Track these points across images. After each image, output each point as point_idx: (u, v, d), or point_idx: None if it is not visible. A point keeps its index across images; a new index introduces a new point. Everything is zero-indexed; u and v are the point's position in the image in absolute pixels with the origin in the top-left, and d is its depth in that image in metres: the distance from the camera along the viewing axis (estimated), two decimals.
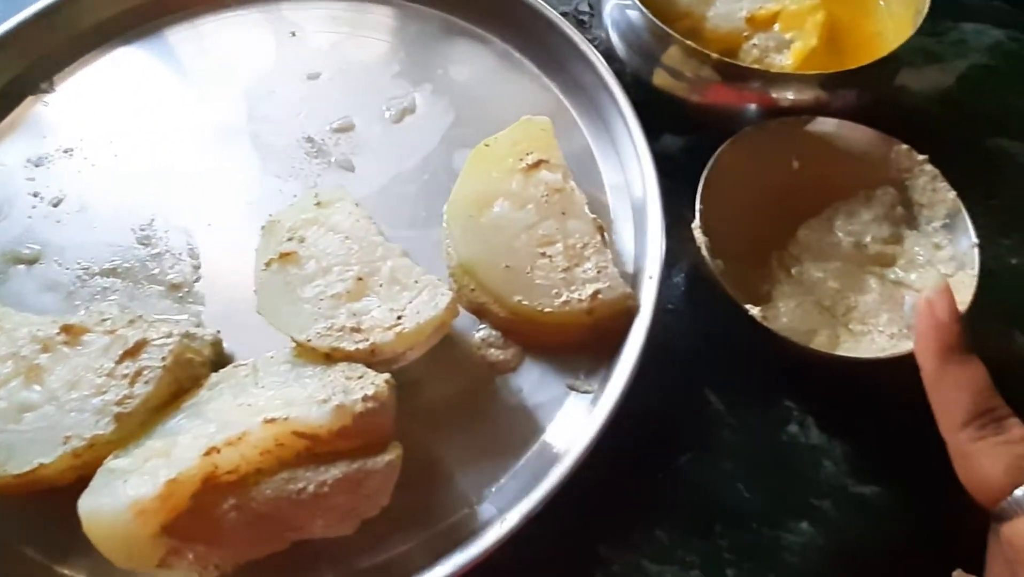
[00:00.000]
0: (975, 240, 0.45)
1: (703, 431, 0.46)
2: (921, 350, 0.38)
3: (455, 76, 0.59)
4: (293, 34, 0.60)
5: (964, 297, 0.44)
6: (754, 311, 0.43)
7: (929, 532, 0.44)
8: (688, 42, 0.49)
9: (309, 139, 0.55)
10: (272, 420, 0.37)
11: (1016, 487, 0.34)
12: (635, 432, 0.45)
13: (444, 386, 0.46)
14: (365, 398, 0.38)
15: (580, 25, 0.63)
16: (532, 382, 0.47)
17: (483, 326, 0.48)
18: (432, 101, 0.58)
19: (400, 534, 0.42)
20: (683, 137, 0.57)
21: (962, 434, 0.36)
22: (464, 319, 0.48)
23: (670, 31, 0.50)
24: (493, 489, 0.43)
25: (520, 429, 0.45)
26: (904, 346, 0.43)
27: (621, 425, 0.43)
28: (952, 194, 0.47)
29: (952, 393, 0.37)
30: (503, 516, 0.40)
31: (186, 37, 0.60)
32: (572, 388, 0.47)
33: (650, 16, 0.50)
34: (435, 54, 0.60)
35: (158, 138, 0.55)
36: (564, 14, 0.63)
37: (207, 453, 0.36)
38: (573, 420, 0.45)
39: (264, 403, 0.39)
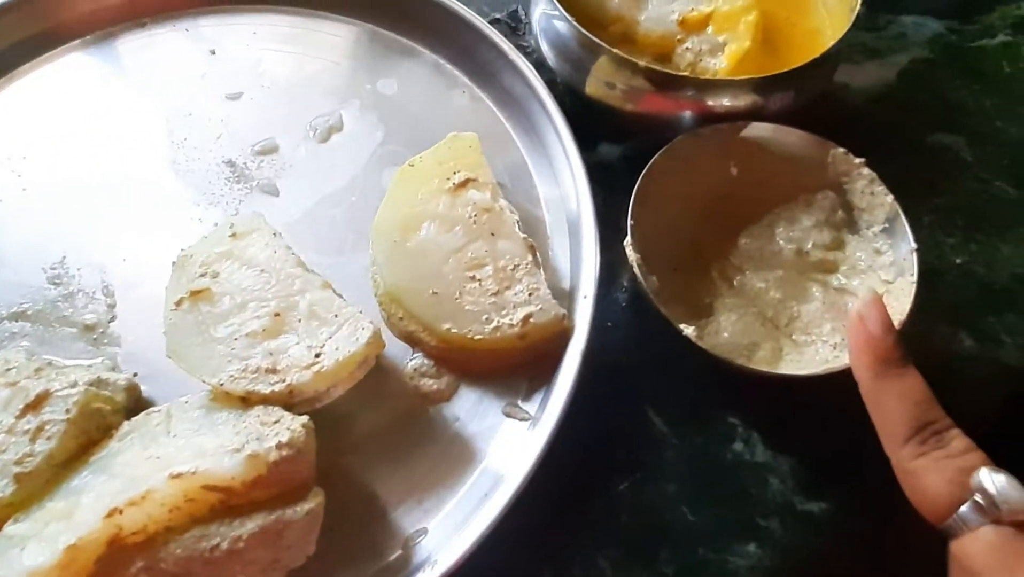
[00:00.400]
0: (913, 245, 0.44)
1: (646, 452, 0.45)
2: (856, 366, 0.37)
3: (383, 91, 0.57)
4: (213, 52, 0.58)
5: (904, 304, 0.42)
6: (688, 331, 0.42)
7: (879, 548, 0.43)
8: (617, 52, 0.48)
9: (230, 163, 0.53)
10: (179, 475, 0.35)
11: (961, 503, 0.33)
12: (575, 457, 0.44)
13: (376, 419, 0.45)
14: (279, 445, 0.36)
15: (512, 32, 0.61)
16: (468, 410, 0.45)
17: (416, 354, 0.46)
18: (360, 118, 0.55)
19: None
20: (620, 145, 0.55)
21: (904, 450, 0.35)
22: (396, 347, 0.46)
23: (599, 41, 0.48)
24: (429, 526, 0.42)
25: (456, 460, 0.44)
26: (845, 359, 0.42)
27: (561, 450, 0.42)
28: (890, 198, 0.46)
29: (891, 408, 0.36)
30: (434, 559, 0.39)
31: (100, 59, 0.57)
32: (509, 415, 0.45)
33: (578, 26, 0.49)
34: (362, 68, 0.58)
35: (69, 167, 0.52)
36: (495, 21, 0.62)
37: (109, 515, 0.34)
38: (511, 448, 0.44)
39: (173, 455, 0.37)
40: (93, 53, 0.57)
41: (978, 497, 0.33)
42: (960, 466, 0.34)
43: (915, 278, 0.43)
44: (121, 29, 0.59)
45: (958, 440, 0.35)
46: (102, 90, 0.56)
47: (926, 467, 0.34)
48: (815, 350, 0.45)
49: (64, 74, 0.56)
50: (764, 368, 0.44)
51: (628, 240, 0.44)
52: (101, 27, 0.58)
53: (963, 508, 0.33)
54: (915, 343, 0.41)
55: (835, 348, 0.45)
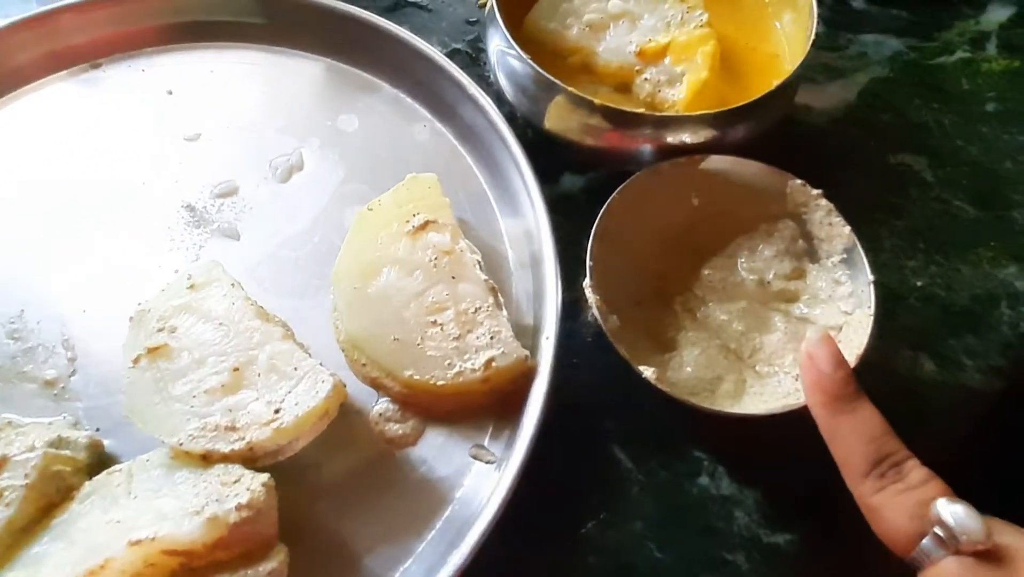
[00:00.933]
0: (871, 277, 0.44)
1: (612, 491, 0.45)
2: (812, 405, 0.38)
3: (344, 127, 0.56)
4: (170, 92, 0.57)
5: (861, 338, 0.43)
6: (648, 372, 0.42)
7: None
8: (573, 90, 0.48)
9: (190, 207, 0.52)
10: (138, 542, 0.35)
11: (923, 536, 0.34)
12: (542, 497, 0.44)
13: (343, 466, 0.44)
14: (239, 507, 0.36)
15: (473, 62, 0.61)
16: (435, 453, 0.45)
17: (381, 399, 0.46)
18: (321, 156, 0.55)
19: None
20: (584, 176, 0.55)
21: (864, 485, 0.36)
22: (362, 391, 0.46)
23: (555, 80, 0.48)
24: (398, 573, 0.42)
25: (424, 505, 0.44)
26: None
27: (527, 492, 0.42)
28: (847, 229, 0.46)
29: (848, 444, 0.36)
30: None
31: (54, 103, 0.56)
32: (476, 457, 0.45)
33: (533, 64, 0.49)
34: (322, 104, 0.57)
35: (24, 216, 0.51)
36: (455, 52, 0.62)
37: None
38: (478, 490, 0.44)
39: (133, 518, 0.36)
40: (47, 97, 0.57)
41: (938, 529, 0.33)
42: (919, 499, 0.34)
43: (872, 311, 0.43)
44: (76, 71, 0.58)
45: (916, 471, 0.35)
46: (57, 135, 0.55)
47: (886, 502, 0.35)
48: (778, 381, 0.45)
49: (18, 119, 0.56)
50: (727, 403, 0.44)
51: (587, 281, 0.44)
52: (55, 70, 0.58)
53: (924, 541, 0.33)
54: (877, 369, 0.42)
55: (797, 379, 0.45)
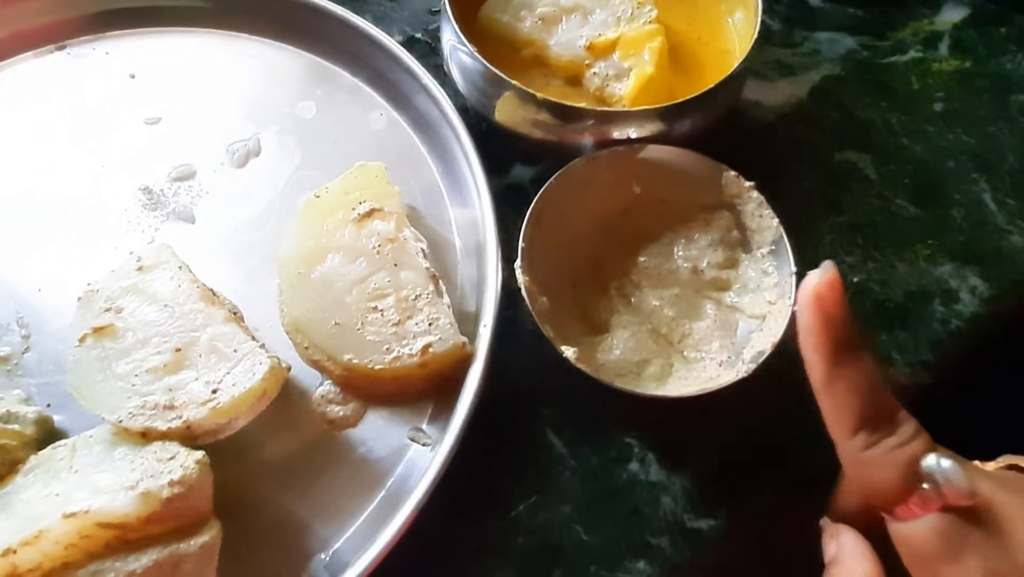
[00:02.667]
0: (794, 269, 0.46)
1: (544, 475, 0.46)
2: (809, 349, 0.34)
3: (302, 114, 0.58)
4: (133, 76, 0.58)
5: (780, 326, 0.44)
6: (568, 352, 0.43)
7: (765, 561, 0.45)
8: (520, 86, 0.49)
9: (147, 189, 0.53)
10: (72, 514, 0.36)
11: (911, 492, 0.33)
12: (475, 481, 0.45)
13: (284, 445, 0.46)
14: (172, 483, 0.37)
15: (432, 51, 0.62)
16: (374, 435, 0.47)
17: (325, 381, 0.47)
18: (278, 142, 0.56)
19: None
20: (534, 168, 0.56)
21: (855, 440, 0.33)
22: (306, 373, 0.48)
23: (503, 76, 0.49)
24: (332, 551, 0.43)
25: (361, 485, 0.45)
26: (724, 379, 0.44)
27: (461, 474, 0.43)
28: (775, 221, 0.48)
29: (844, 397, 0.33)
30: None
31: (19, 82, 0.58)
32: (413, 439, 0.46)
33: (482, 60, 0.50)
34: (281, 91, 0.58)
35: None
36: (414, 40, 0.62)
37: (3, 554, 0.35)
38: (414, 472, 0.45)
39: (71, 492, 0.38)
40: (12, 77, 0.58)
41: (927, 485, 0.32)
42: (911, 453, 0.33)
43: (791, 301, 0.44)
44: (43, 52, 0.59)
45: (907, 424, 0.34)
46: (19, 114, 0.56)
47: (878, 458, 0.33)
48: (703, 367, 0.47)
49: None
50: (651, 385, 0.46)
51: (518, 263, 0.46)
52: (22, 50, 0.59)
53: (914, 497, 0.33)
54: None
55: (720, 365, 0.46)
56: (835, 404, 0.34)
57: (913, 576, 0.34)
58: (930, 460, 0.32)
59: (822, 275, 0.34)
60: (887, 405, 0.34)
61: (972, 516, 0.32)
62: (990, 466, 0.38)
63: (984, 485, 0.32)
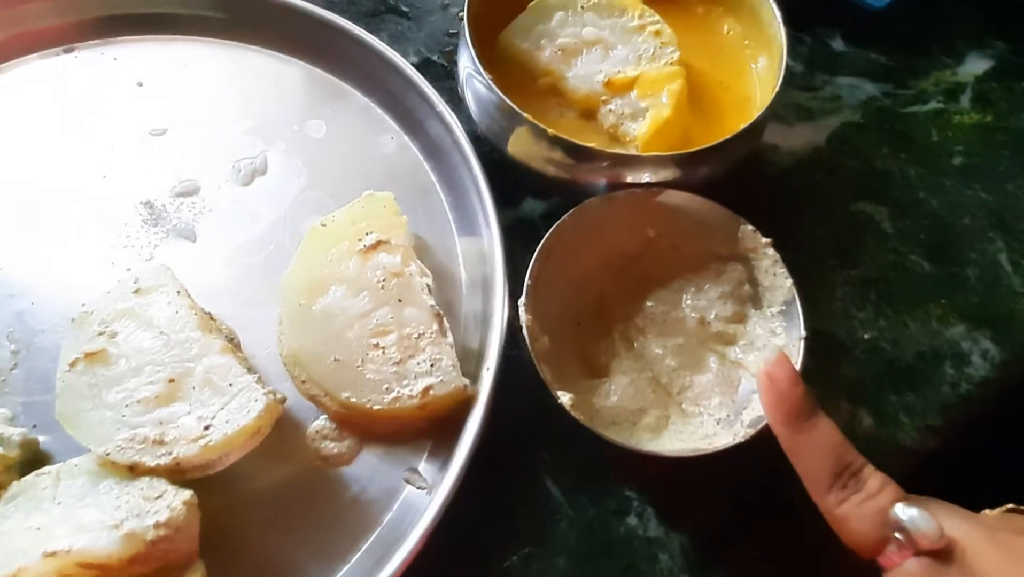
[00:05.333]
0: (803, 333, 0.45)
1: (540, 524, 0.45)
2: (773, 424, 0.39)
3: (311, 133, 0.56)
4: (140, 84, 0.57)
5: None
6: (564, 398, 0.42)
7: None
8: (534, 121, 0.48)
9: (148, 204, 0.52)
10: (53, 553, 0.35)
11: (887, 541, 0.36)
12: (471, 528, 0.44)
13: (275, 480, 0.45)
14: (158, 524, 0.36)
15: (447, 75, 0.60)
16: (368, 475, 0.45)
17: (321, 416, 0.46)
18: (285, 161, 0.55)
19: None
20: (545, 202, 0.55)
21: (829, 498, 0.37)
22: (302, 406, 0.46)
23: (517, 109, 0.48)
24: None
25: (352, 526, 0.44)
26: (721, 440, 0.43)
27: (455, 521, 0.42)
28: (789, 282, 0.47)
29: (810, 459, 0.38)
30: None
31: (23, 85, 0.56)
32: (408, 481, 0.45)
33: (498, 92, 0.48)
34: (291, 108, 0.57)
35: None
36: (429, 63, 0.61)
37: None
38: (408, 516, 0.44)
39: (53, 525, 0.37)
40: (17, 79, 0.56)
41: (898, 534, 0.35)
42: (879, 506, 0.36)
43: (799, 366, 0.44)
44: (48, 54, 0.58)
45: (872, 478, 0.37)
46: (22, 119, 0.55)
47: (850, 512, 0.37)
48: (700, 423, 0.46)
49: None
50: (645, 437, 0.45)
51: (522, 299, 0.45)
52: (28, 51, 0.57)
53: (889, 546, 0.36)
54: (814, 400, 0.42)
55: (718, 423, 0.45)
56: (804, 467, 0.38)
57: None
58: (897, 509, 0.35)
59: (772, 360, 0.39)
60: (853, 461, 0.37)
61: (947, 555, 0.34)
62: (996, 512, 0.39)
63: (951, 524, 0.35)
